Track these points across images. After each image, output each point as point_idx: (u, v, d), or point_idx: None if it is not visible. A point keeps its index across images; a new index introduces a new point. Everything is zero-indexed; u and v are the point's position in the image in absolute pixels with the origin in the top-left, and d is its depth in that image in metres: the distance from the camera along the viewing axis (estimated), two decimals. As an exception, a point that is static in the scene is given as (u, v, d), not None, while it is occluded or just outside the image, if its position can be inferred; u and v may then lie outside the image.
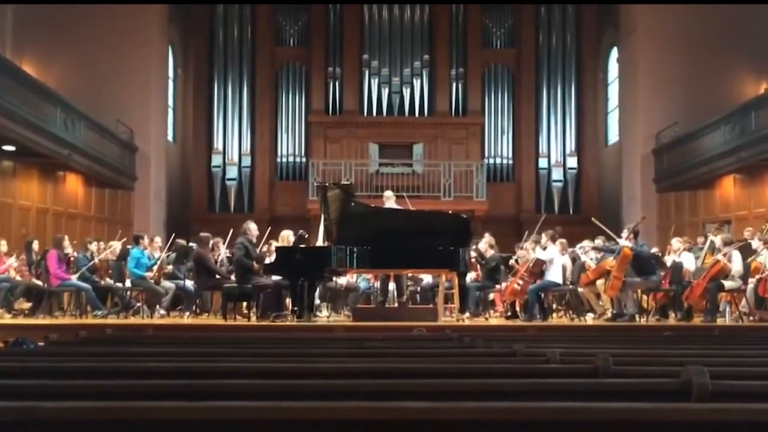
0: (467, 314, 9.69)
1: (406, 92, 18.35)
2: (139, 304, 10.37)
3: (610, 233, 10.39)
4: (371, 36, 18.47)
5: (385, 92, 18.33)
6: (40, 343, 4.92)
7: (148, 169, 16.72)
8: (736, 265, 9.55)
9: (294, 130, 18.66)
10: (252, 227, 9.93)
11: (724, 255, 9.61)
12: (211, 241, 10.67)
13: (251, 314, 9.85)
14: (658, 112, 16.41)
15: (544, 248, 10.06)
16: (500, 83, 18.91)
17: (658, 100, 16.44)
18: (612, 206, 17.86)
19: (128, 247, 10.90)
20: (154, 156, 16.94)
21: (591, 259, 10.65)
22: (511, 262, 10.94)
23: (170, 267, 10.81)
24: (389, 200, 10.47)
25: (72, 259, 10.69)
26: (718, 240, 9.89)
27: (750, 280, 9.81)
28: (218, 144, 18.42)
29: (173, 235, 11.81)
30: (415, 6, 18.56)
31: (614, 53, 18.97)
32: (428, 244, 9.20)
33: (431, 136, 18.44)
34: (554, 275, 9.94)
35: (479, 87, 18.70)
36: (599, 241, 10.75)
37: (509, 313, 10.46)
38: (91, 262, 10.54)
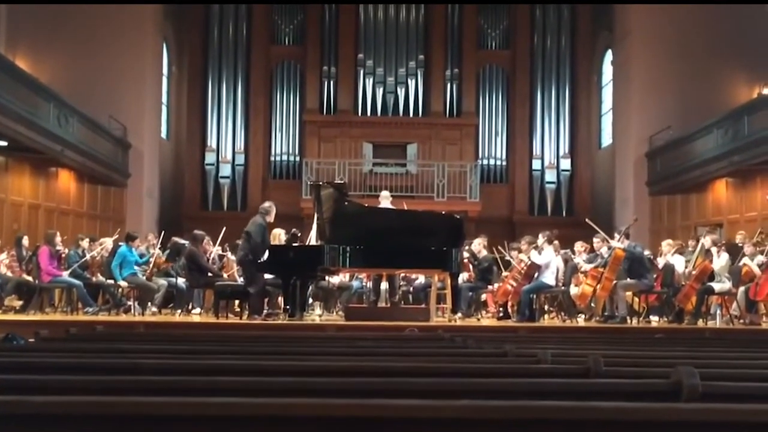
0: (459, 314, 9.70)
1: (401, 92, 18.36)
2: (130, 303, 10.34)
3: (605, 235, 10.42)
4: (366, 35, 18.47)
5: (379, 92, 18.33)
6: (30, 339, 4.89)
7: (141, 166, 16.68)
8: (720, 262, 9.61)
9: (288, 128, 18.64)
10: (273, 209, 9.53)
11: (711, 256, 9.69)
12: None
13: (243, 312, 9.82)
14: (652, 116, 16.47)
15: (540, 251, 10.07)
16: (495, 84, 18.94)
17: (652, 103, 16.50)
18: (605, 209, 17.91)
19: (119, 244, 10.87)
20: (147, 153, 16.89)
21: (583, 259, 10.67)
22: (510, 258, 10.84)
23: (163, 258, 10.80)
24: (385, 200, 10.47)
25: (63, 255, 10.66)
26: (707, 241, 9.96)
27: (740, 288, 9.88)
28: (212, 142, 18.39)
29: (162, 232, 11.80)
30: (411, 6, 18.58)
31: (608, 56, 19.02)
32: (421, 244, 9.21)
33: (425, 137, 18.46)
34: (548, 277, 9.96)
35: (474, 88, 18.72)
36: (596, 240, 10.64)
37: (501, 314, 10.48)
38: (83, 259, 10.51)
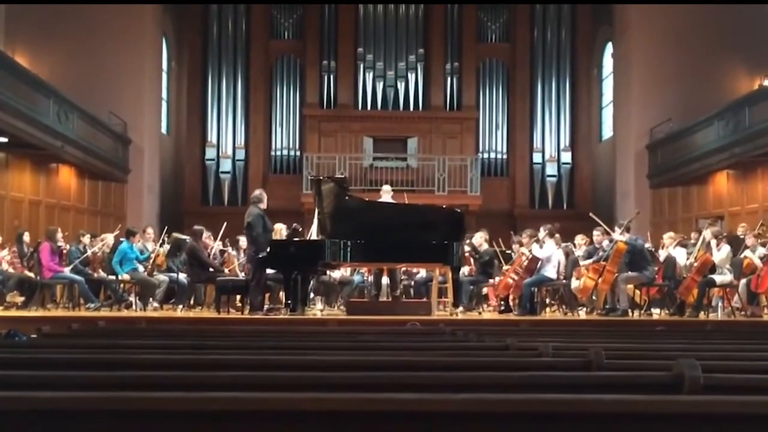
0: (460, 308, 9.70)
1: (401, 86, 18.34)
2: (131, 298, 10.35)
3: (607, 228, 10.42)
4: (366, 29, 18.44)
5: (379, 86, 18.31)
6: (32, 336, 4.90)
7: (141, 162, 16.68)
8: (720, 254, 9.60)
9: (288, 123, 18.64)
10: (264, 196, 9.58)
11: (714, 246, 9.69)
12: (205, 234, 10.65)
13: (244, 307, 9.83)
14: (652, 108, 16.45)
15: (541, 244, 10.06)
16: (495, 78, 18.92)
17: (652, 96, 16.48)
18: (606, 202, 17.91)
19: (120, 240, 10.87)
20: (147, 148, 16.89)
21: (582, 253, 10.67)
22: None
23: (162, 251, 10.80)
24: (386, 194, 10.47)
25: (65, 251, 10.66)
26: (709, 233, 9.95)
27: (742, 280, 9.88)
28: (212, 137, 18.39)
29: (166, 227, 11.80)
30: (410, 4, 18.54)
31: (609, 49, 19.00)
32: (422, 238, 9.20)
33: (425, 131, 18.45)
34: (549, 270, 9.96)
35: (474, 81, 18.70)
36: (596, 233, 10.63)
37: (502, 308, 10.47)
38: (84, 255, 10.52)
